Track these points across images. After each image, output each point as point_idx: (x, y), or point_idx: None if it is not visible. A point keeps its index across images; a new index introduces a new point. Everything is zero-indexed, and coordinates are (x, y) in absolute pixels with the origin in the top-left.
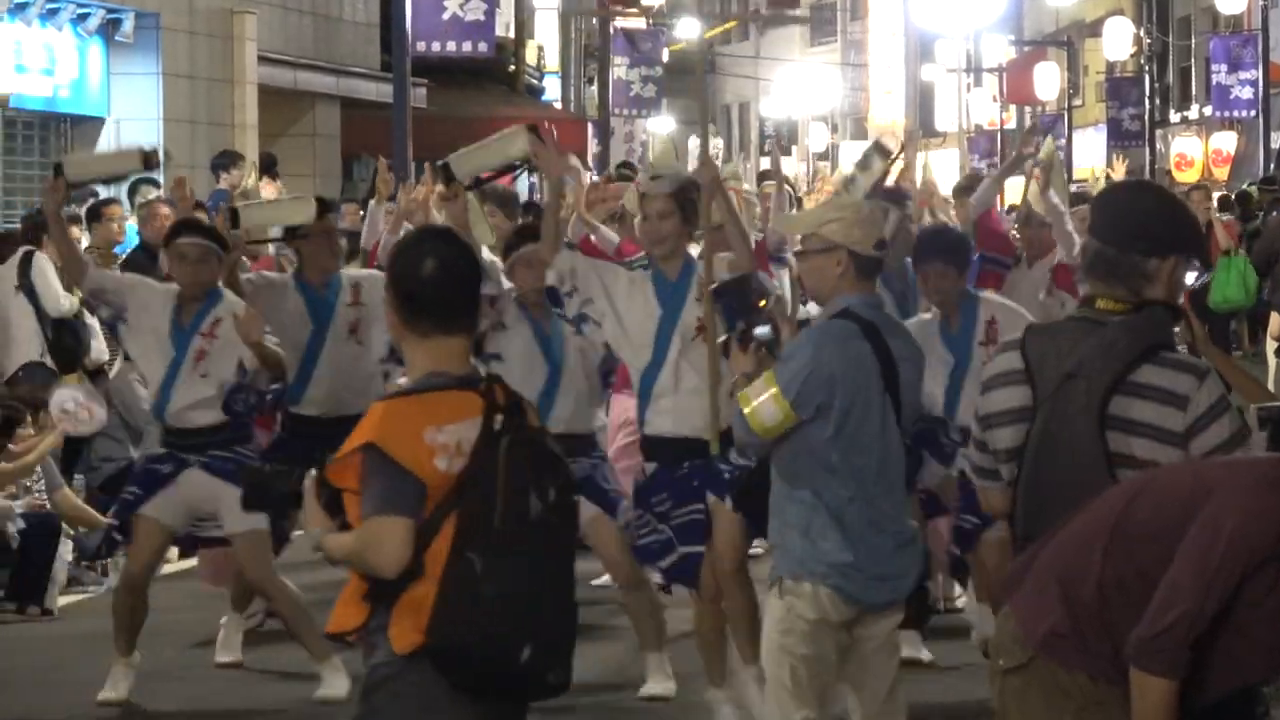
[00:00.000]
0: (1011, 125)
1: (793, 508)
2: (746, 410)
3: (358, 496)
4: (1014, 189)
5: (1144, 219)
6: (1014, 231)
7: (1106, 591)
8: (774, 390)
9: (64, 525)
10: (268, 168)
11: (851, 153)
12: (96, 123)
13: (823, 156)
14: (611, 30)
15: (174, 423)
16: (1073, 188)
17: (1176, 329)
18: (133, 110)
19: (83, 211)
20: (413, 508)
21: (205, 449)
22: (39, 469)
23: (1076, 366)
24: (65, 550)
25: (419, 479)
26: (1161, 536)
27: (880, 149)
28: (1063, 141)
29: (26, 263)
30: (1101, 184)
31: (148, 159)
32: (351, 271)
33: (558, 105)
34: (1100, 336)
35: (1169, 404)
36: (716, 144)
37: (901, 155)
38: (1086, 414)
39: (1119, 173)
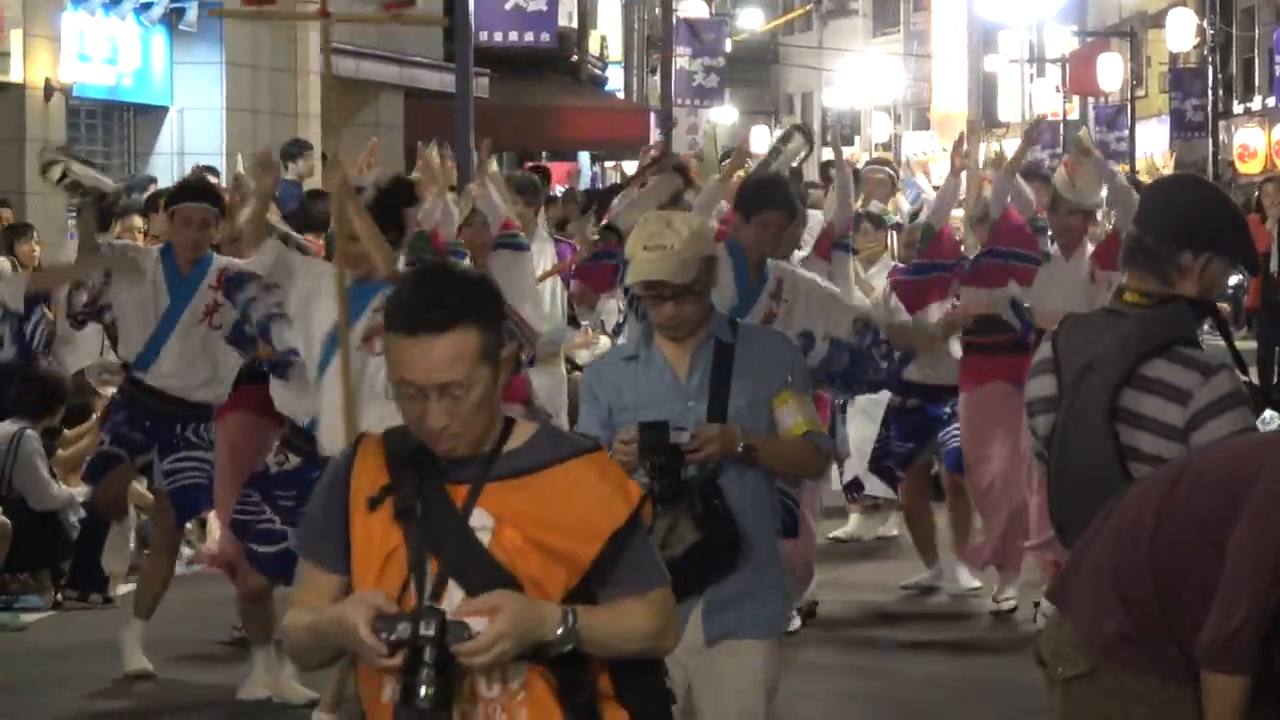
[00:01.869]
0: (1075, 116)
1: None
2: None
3: (557, 563)
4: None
5: (1184, 211)
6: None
7: (1162, 587)
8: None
9: (132, 511)
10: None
11: (914, 143)
12: (160, 112)
13: (885, 146)
14: (674, 20)
15: None
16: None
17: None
18: (196, 100)
19: (143, 200)
20: None
21: None
22: None
23: (1093, 359)
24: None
25: None
26: (1208, 522)
27: (801, 130)
28: (1125, 132)
29: None
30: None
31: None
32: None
33: (620, 95)
34: (1119, 329)
35: (1172, 399)
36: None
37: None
38: (1098, 407)
39: (1168, 166)
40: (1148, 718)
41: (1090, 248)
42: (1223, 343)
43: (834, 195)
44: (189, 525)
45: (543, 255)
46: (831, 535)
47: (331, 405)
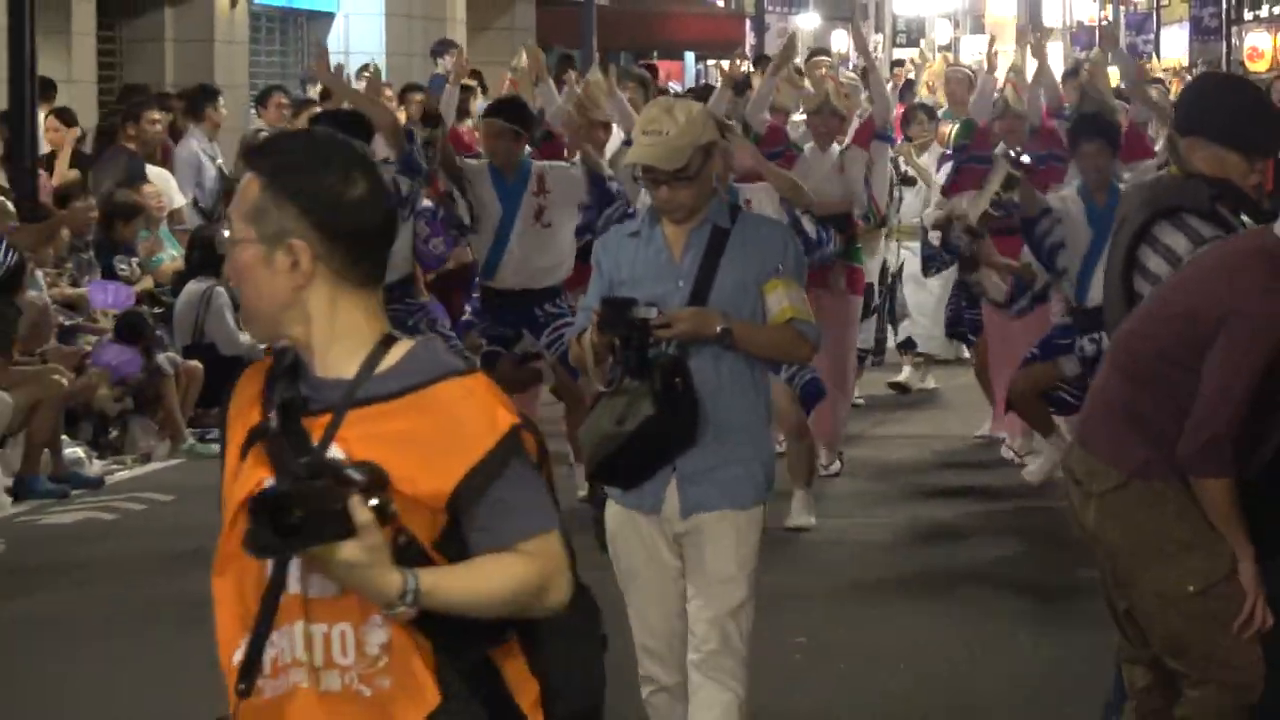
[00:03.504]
0: (1109, 21)
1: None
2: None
3: (436, 513)
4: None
5: (1182, 98)
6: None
7: (1160, 406)
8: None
9: None
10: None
11: (970, 44)
12: (329, 17)
13: (946, 48)
14: None
15: None
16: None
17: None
18: (359, 6)
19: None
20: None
21: None
22: None
23: (1126, 215)
24: None
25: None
26: (1175, 350)
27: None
28: (1151, 36)
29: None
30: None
31: None
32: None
33: (720, 4)
34: (1140, 194)
35: (1167, 259)
36: (877, 38)
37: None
38: (1119, 256)
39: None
40: (1173, 515)
41: None
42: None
43: (876, 91)
44: None
45: None
46: (888, 382)
47: None
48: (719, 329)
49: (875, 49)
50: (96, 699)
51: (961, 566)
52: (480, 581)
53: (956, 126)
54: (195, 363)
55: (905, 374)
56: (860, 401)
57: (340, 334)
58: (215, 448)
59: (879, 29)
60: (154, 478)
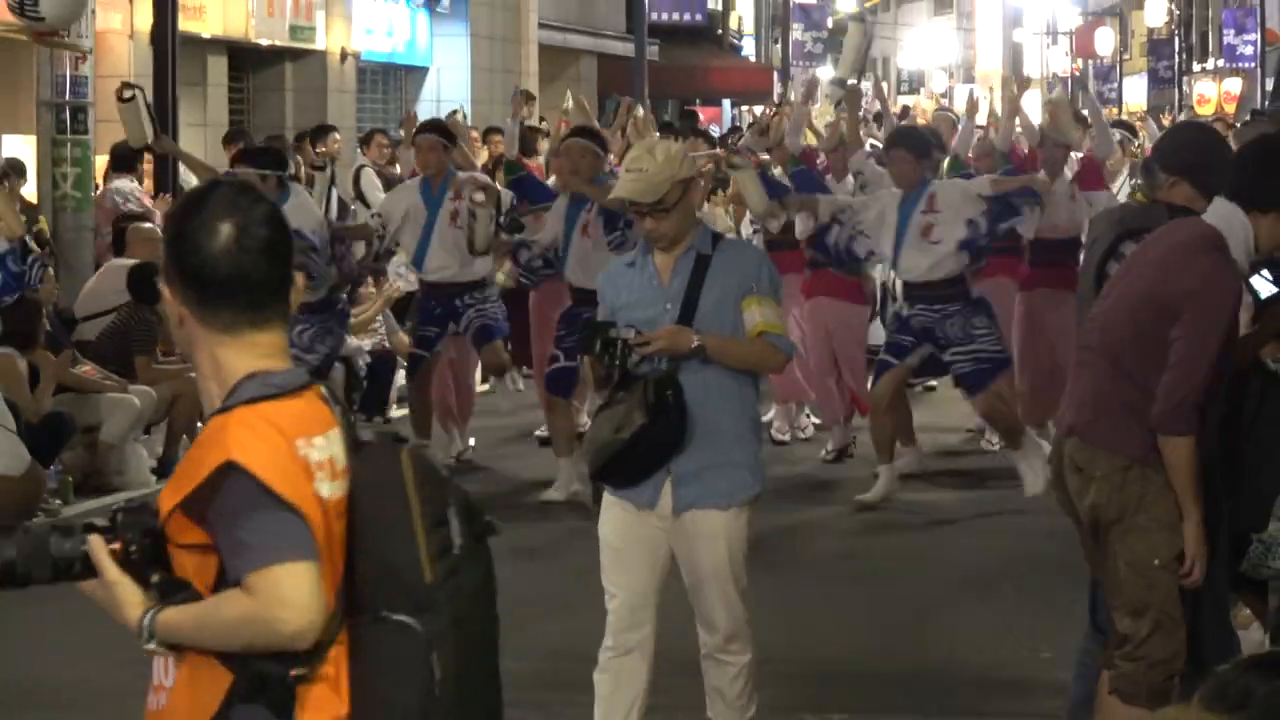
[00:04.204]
0: (1079, 73)
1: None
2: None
3: (205, 553)
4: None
5: (1169, 139)
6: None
7: (1142, 391)
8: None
9: (398, 359)
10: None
11: (962, 93)
12: (423, 71)
13: (943, 95)
14: (791, 4)
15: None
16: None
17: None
18: (449, 62)
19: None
20: (312, 550)
21: None
22: (380, 317)
23: (1096, 237)
24: (399, 376)
25: (303, 513)
26: (1146, 335)
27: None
28: (1114, 84)
29: (358, 175)
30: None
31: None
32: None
33: (752, 59)
34: (1110, 217)
35: None
36: (866, 86)
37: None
38: (1091, 273)
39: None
40: (1154, 494)
41: (1069, 174)
42: None
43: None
44: None
45: None
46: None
47: None
48: (693, 344)
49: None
50: None
51: (952, 542)
52: (211, 616)
53: (948, 160)
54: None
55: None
56: None
57: (210, 374)
58: None
59: (885, 79)
60: None
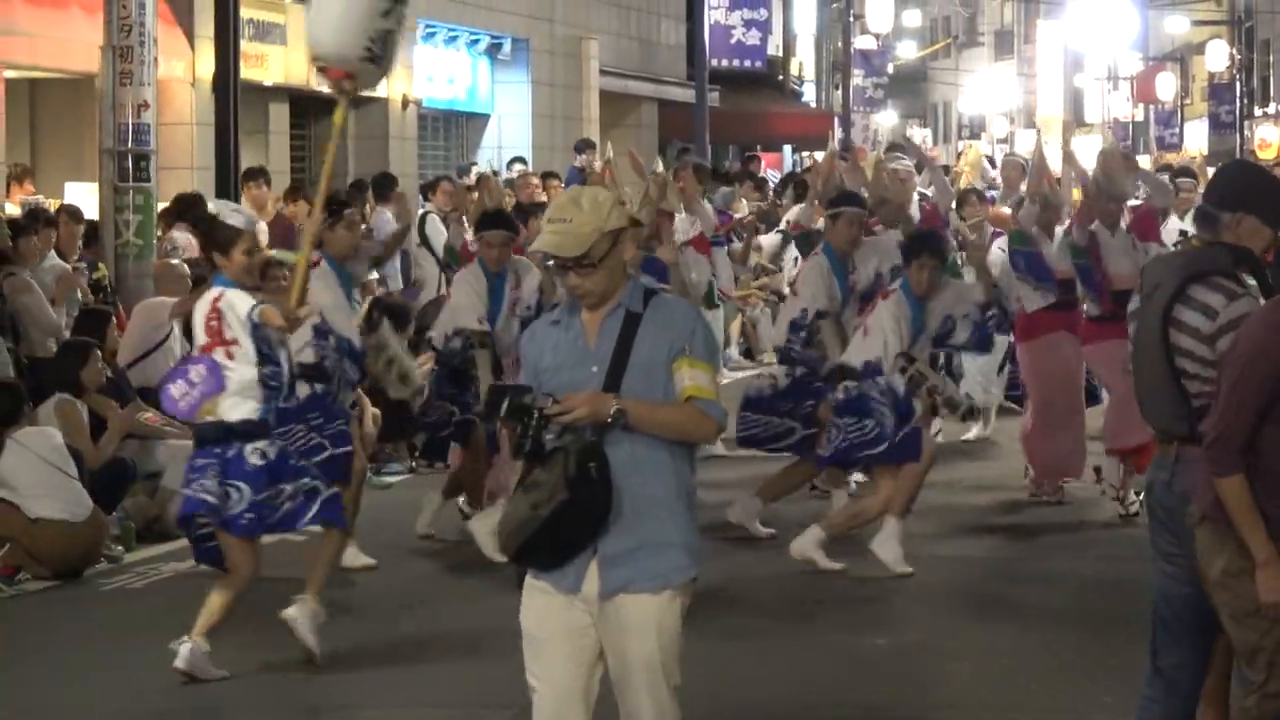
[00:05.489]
0: (1140, 119)
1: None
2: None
3: None
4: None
5: (1222, 180)
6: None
7: None
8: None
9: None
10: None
11: (1025, 140)
12: (484, 118)
13: (1003, 140)
14: (852, 50)
15: None
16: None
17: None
18: (510, 109)
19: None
20: None
21: None
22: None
23: (1158, 282)
24: None
25: None
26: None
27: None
28: (1177, 129)
29: (422, 221)
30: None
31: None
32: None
33: (812, 104)
34: (1172, 262)
35: (1204, 314)
36: (925, 133)
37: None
38: (1157, 317)
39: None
40: (1234, 547)
41: (1125, 223)
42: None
43: (937, 184)
44: None
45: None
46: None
47: None
48: (613, 411)
49: (926, 143)
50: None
51: (1005, 583)
52: None
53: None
54: (373, 410)
55: (974, 431)
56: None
57: None
58: (389, 479)
59: (946, 125)
60: None
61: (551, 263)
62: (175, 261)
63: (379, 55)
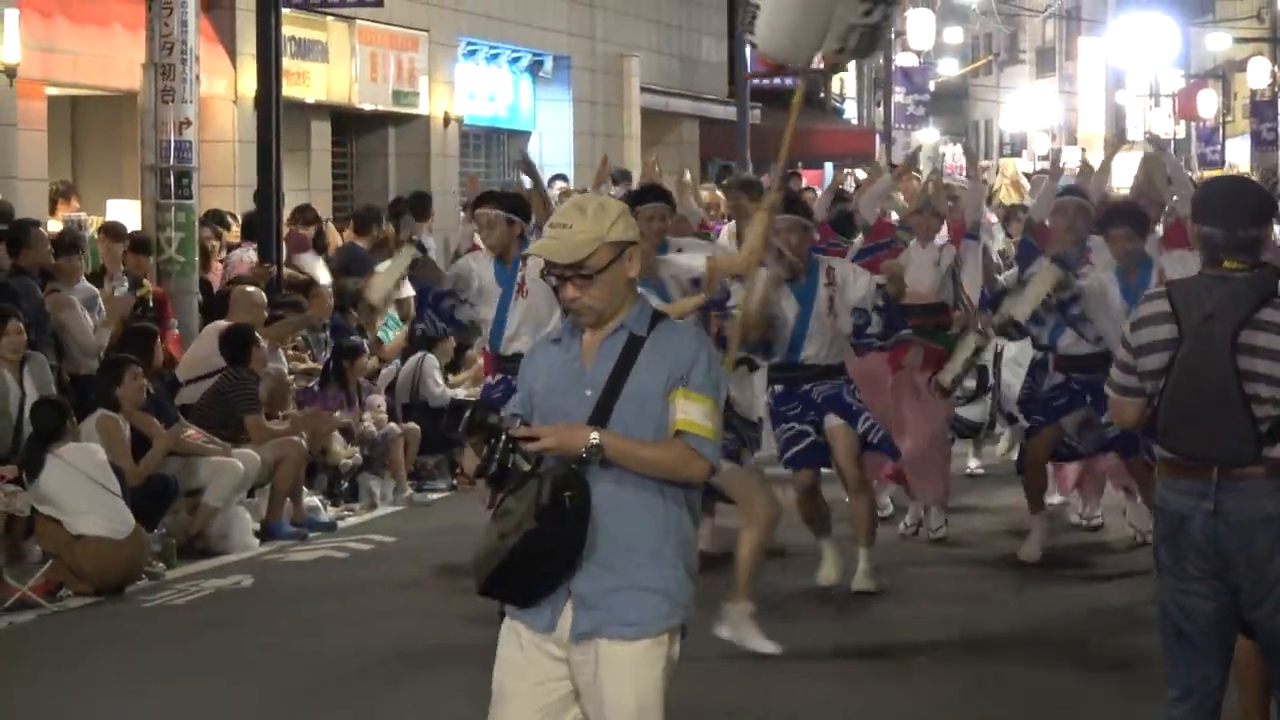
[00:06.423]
0: (1182, 136)
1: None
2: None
3: None
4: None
5: (1239, 199)
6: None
7: None
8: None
9: None
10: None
11: (1069, 156)
12: (526, 135)
13: (1044, 158)
14: (893, 68)
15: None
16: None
17: None
18: (552, 126)
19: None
20: None
21: None
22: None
23: (1214, 309)
24: None
25: None
26: None
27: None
28: (1218, 146)
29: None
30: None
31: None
32: None
33: (854, 122)
34: (1227, 288)
35: None
36: (956, 149)
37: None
38: (1223, 343)
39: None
40: None
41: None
42: None
43: (969, 198)
44: None
45: None
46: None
47: None
48: (588, 446)
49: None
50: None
51: (1036, 610)
52: None
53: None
54: (414, 425)
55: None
56: (980, 471)
57: None
58: (431, 496)
59: (987, 142)
60: (379, 523)
61: (548, 270)
62: (252, 290)
63: (852, 48)
